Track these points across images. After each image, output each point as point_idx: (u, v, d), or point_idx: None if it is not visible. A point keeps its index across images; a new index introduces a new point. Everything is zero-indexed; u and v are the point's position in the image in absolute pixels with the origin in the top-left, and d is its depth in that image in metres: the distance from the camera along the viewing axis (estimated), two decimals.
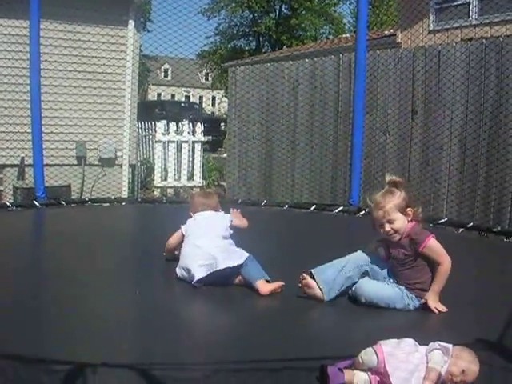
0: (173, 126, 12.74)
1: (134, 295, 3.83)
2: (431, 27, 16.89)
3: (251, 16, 40.56)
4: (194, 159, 12.88)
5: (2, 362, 2.58)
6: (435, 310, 3.44)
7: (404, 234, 3.52)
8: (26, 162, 9.76)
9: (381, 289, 3.55)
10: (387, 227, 3.49)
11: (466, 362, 2.52)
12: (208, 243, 4.11)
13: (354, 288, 3.58)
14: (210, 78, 47.88)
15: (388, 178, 3.66)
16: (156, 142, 12.60)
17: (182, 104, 33.24)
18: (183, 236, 4.29)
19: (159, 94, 53.56)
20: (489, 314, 3.53)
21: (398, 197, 3.52)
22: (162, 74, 55.97)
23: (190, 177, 12.78)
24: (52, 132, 9.76)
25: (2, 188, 10.07)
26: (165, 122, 12.91)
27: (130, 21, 10.58)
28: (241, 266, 3.93)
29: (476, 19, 15.00)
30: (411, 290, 3.51)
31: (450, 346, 2.56)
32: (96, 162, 10.72)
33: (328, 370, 2.45)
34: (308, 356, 2.82)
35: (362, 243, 3.81)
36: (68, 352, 2.77)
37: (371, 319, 3.41)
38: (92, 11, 10.14)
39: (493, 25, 12.70)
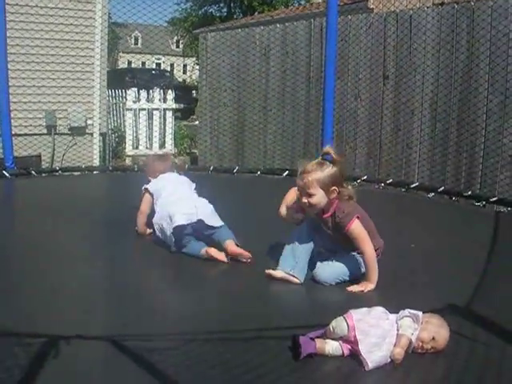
0: (143, 93, 12.61)
1: (107, 267, 3.82)
2: None
3: None
4: (165, 127, 12.79)
5: None
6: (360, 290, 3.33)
7: (327, 212, 3.42)
8: None
9: (336, 270, 3.46)
10: (304, 199, 3.38)
11: (436, 327, 2.56)
12: (189, 195, 4.15)
13: (314, 275, 3.47)
14: (181, 46, 47.35)
15: (326, 149, 3.50)
16: (127, 109, 12.47)
17: (153, 71, 32.78)
18: (152, 197, 4.28)
19: (130, 62, 52.84)
20: (458, 279, 3.57)
21: (326, 172, 3.34)
22: (133, 41, 55.33)
23: (162, 145, 12.70)
24: (20, 101, 9.59)
25: None
26: (135, 89, 12.77)
27: None
28: (215, 230, 3.96)
29: None
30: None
31: (420, 313, 2.59)
32: (66, 131, 10.58)
33: (300, 340, 2.47)
34: (280, 326, 2.84)
35: None
36: (42, 325, 2.77)
37: (342, 291, 3.38)
38: None
39: None
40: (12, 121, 7.48)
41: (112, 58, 33.53)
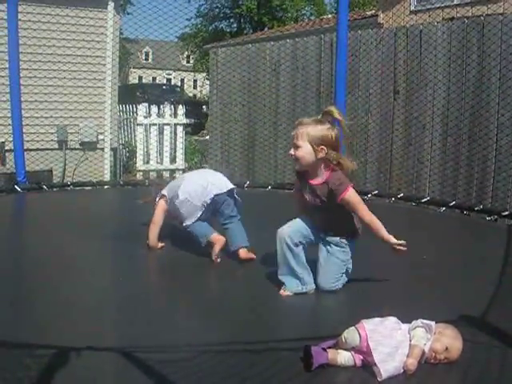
0: (154, 108, 12.64)
1: (117, 279, 3.84)
2: (413, 7, 16.91)
3: None
4: (175, 142, 12.80)
5: None
6: (401, 246, 3.39)
7: (315, 177, 3.42)
8: (6, 147, 9.66)
9: (327, 273, 3.46)
10: (291, 150, 3.40)
11: (450, 338, 2.53)
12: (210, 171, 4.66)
13: (318, 287, 3.46)
14: (191, 61, 47.60)
15: (328, 108, 3.46)
16: (137, 124, 12.49)
17: (164, 87, 32.93)
18: (167, 204, 4.33)
19: (140, 77, 53.15)
20: (471, 290, 3.55)
21: (319, 129, 3.33)
22: (143, 56, 55.62)
23: (173, 159, 12.71)
24: (32, 116, 9.66)
25: None
26: (146, 104, 12.79)
27: (110, 2, 10.42)
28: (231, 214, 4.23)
29: None
30: (341, 235, 3.48)
31: (433, 323, 2.57)
32: (77, 146, 10.65)
33: (312, 350, 2.46)
34: (291, 337, 2.83)
35: None
36: (53, 336, 2.77)
37: (353, 300, 3.40)
38: None
39: (474, 4, 12.69)
40: (24, 136, 7.52)
41: (123, 73, 33.70)
